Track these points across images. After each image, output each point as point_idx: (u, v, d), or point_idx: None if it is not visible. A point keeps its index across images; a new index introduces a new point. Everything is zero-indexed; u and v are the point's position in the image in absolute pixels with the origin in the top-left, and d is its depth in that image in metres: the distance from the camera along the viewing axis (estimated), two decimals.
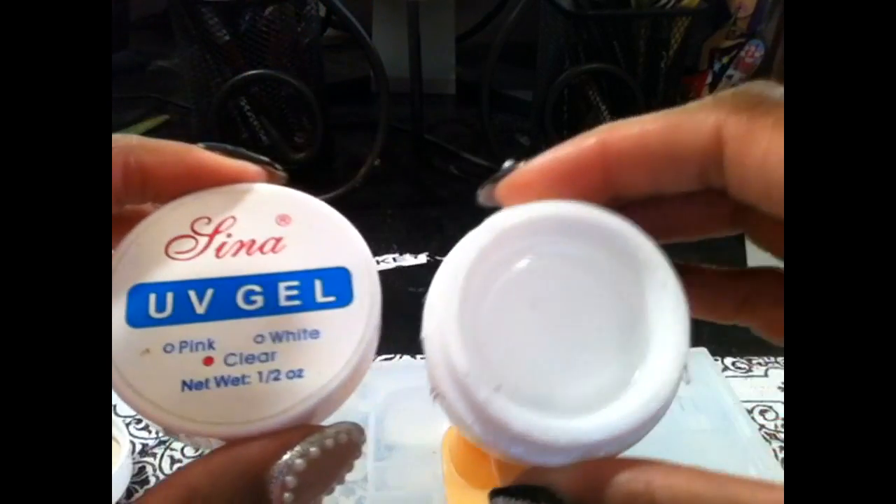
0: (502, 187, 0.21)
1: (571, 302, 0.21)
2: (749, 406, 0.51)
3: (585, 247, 0.21)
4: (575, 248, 0.21)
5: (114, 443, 0.46)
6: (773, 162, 0.17)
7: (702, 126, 0.19)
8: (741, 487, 0.16)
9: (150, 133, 0.91)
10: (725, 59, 0.88)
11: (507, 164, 0.21)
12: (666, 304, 0.20)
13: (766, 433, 0.50)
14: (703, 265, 0.23)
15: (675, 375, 0.19)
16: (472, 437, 0.20)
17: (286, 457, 0.18)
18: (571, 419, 0.19)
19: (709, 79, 0.89)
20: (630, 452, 0.19)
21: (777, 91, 0.19)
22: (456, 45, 1.02)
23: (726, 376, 0.52)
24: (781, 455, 0.48)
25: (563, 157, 0.21)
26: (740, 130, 0.18)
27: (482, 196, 0.22)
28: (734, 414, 0.47)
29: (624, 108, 0.74)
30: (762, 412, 0.51)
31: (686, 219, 0.23)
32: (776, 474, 0.42)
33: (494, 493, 0.19)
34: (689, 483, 0.17)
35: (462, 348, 0.19)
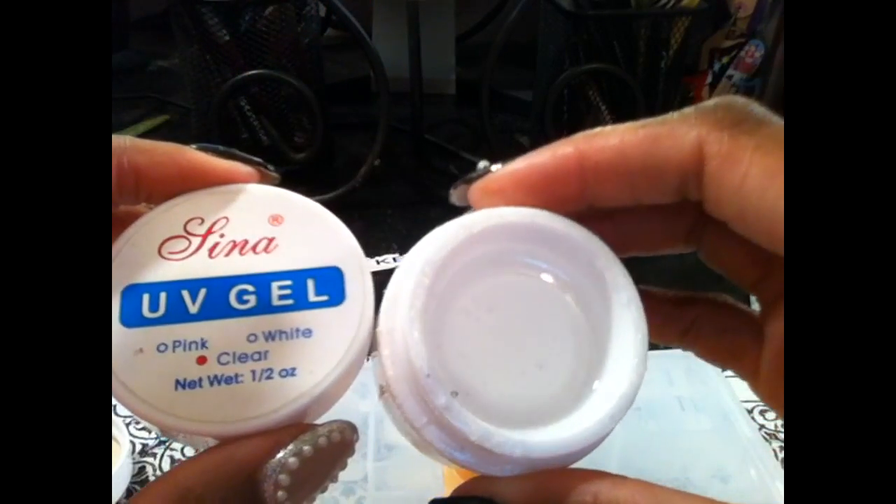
0: (475, 189, 0.21)
1: (534, 312, 0.21)
2: (749, 406, 0.51)
3: (554, 259, 0.21)
4: (544, 259, 0.21)
5: (114, 443, 0.46)
6: (750, 186, 0.17)
7: (683, 140, 0.19)
8: (683, 503, 0.17)
9: (150, 133, 0.91)
10: (725, 59, 0.88)
11: (481, 165, 0.21)
12: (627, 324, 0.20)
13: (766, 433, 0.50)
14: (653, 288, 0.23)
15: (632, 393, 0.19)
16: (416, 440, 0.19)
17: (279, 455, 0.18)
18: (525, 431, 0.19)
19: (709, 79, 0.89)
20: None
21: (759, 107, 0.19)
22: (456, 45, 1.02)
23: (726, 376, 0.52)
24: (781, 455, 0.48)
25: (539, 165, 0.20)
26: (722, 149, 0.18)
27: (455, 196, 0.22)
28: (734, 414, 0.47)
29: (624, 108, 0.74)
30: (762, 412, 0.51)
31: (641, 234, 0.23)
32: (776, 474, 0.42)
33: None
34: (634, 496, 0.17)
35: (424, 349, 0.18)
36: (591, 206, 0.21)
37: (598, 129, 0.20)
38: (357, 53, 0.74)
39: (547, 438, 0.18)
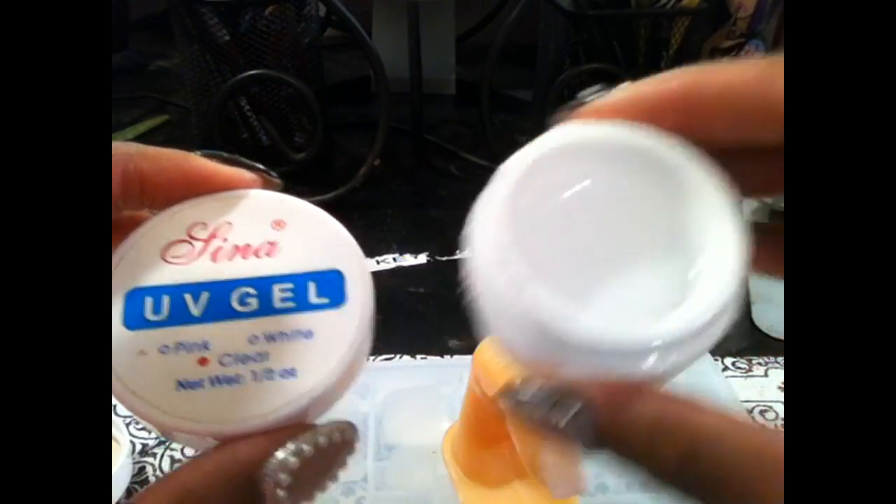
0: (577, 115, 0.21)
1: (628, 218, 0.21)
2: (749, 406, 0.51)
3: (642, 172, 0.20)
4: (632, 171, 0.20)
5: (114, 443, 0.46)
6: None
7: None
8: None
9: (150, 133, 0.91)
10: (725, 60, 0.88)
11: (585, 91, 0.21)
12: (719, 237, 0.19)
13: None
14: (764, 221, 0.23)
15: (716, 308, 0.18)
16: (501, 332, 0.19)
17: (280, 455, 0.18)
18: (598, 321, 0.18)
19: None
20: None
21: None
22: (456, 45, 1.02)
23: (726, 376, 0.52)
24: None
25: (642, 95, 0.20)
26: None
27: (557, 123, 0.22)
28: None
29: None
30: (762, 412, 0.51)
31: (765, 176, 0.22)
32: None
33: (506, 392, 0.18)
34: (732, 431, 0.16)
35: (509, 224, 0.19)
36: (696, 145, 0.20)
37: (710, 64, 0.19)
38: (357, 53, 0.74)
39: (613, 330, 0.18)
